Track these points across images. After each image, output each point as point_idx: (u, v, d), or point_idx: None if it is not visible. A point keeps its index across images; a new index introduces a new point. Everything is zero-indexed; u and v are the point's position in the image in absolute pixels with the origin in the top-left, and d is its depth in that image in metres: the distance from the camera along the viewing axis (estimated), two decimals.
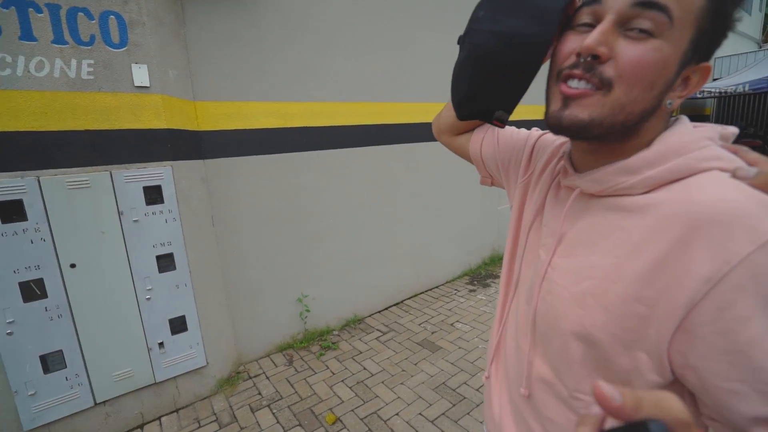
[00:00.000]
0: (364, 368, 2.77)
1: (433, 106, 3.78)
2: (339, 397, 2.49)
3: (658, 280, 0.42)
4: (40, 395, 1.98)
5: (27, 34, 1.83)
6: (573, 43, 0.48)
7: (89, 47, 1.99)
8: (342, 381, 2.64)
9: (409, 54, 3.54)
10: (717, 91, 8.71)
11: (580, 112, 0.46)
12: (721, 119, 11.98)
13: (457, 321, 3.33)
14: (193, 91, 2.50)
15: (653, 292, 0.43)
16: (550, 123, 0.50)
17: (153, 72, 2.17)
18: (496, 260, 4.69)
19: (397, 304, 3.76)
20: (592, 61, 0.44)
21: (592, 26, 0.46)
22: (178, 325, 2.37)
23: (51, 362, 2.01)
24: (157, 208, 2.25)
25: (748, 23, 13.30)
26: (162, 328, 2.31)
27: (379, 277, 3.61)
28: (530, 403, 0.61)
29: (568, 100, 0.47)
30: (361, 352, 2.97)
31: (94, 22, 2.00)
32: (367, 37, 3.23)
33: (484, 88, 0.57)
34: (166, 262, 2.31)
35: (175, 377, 2.39)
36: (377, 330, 3.29)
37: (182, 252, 2.36)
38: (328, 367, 2.80)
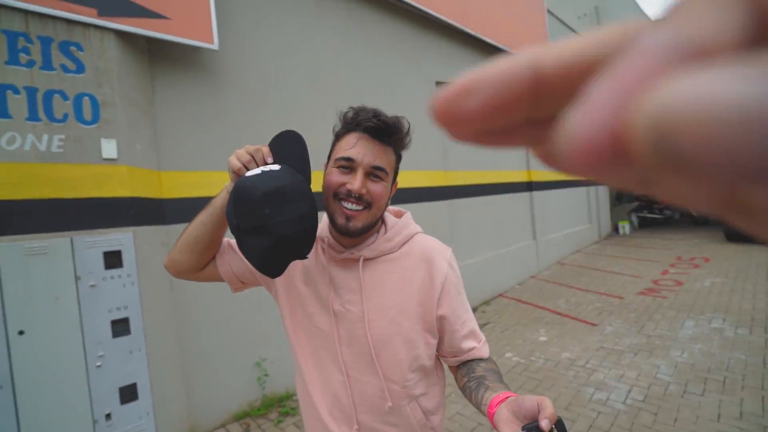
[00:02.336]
0: None
1: None
2: None
3: (423, 289, 0.86)
4: None
5: (2, 113, 2.00)
6: (339, 177, 0.81)
7: (62, 124, 2.17)
8: None
9: None
10: None
11: (357, 222, 0.81)
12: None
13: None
14: (158, 161, 2.69)
15: (423, 296, 0.86)
16: (341, 231, 0.82)
17: (121, 145, 2.36)
18: None
19: None
20: (359, 194, 0.79)
21: (347, 169, 0.81)
22: (128, 394, 2.29)
23: None
24: (115, 272, 2.29)
25: None
26: (111, 398, 2.22)
27: None
28: (392, 410, 0.85)
29: (349, 216, 0.80)
30: None
31: (68, 102, 2.20)
32: (316, 112, 3.63)
33: (291, 255, 0.76)
34: (121, 327, 2.29)
35: None
36: None
37: (138, 316, 2.36)
38: None
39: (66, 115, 2.19)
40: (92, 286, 2.20)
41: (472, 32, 5.49)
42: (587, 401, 2.82)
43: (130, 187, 2.40)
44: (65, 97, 2.19)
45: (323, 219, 0.94)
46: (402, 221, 0.93)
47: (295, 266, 0.93)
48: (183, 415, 2.65)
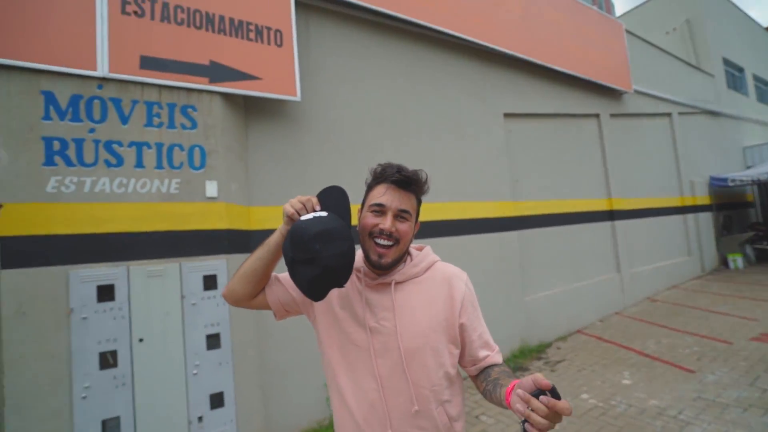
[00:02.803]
0: None
1: (450, 205, 4.26)
2: None
3: (446, 306, 1.03)
4: None
5: (139, 164, 2.56)
6: (373, 219, 1.01)
7: (179, 170, 2.69)
8: None
9: (424, 161, 4.16)
10: (749, 179, 8.71)
11: (388, 258, 1.01)
12: (766, 205, 11.57)
13: (482, 413, 3.29)
14: (249, 198, 3.14)
15: (447, 312, 1.03)
16: (375, 265, 1.02)
17: (221, 186, 2.83)
18: (526, 352, 4.61)
19: None
20: (390, 231, 0.99)
21: (378, 213, 1.01)
22: (217, 401, 2.63)
23: (109, 428, 2.30)
24: (211, 293, 2.70)
25: None
26: (203, 403, 2.57)
27: None
28: (418, 413, 0.97)
29: (381, 254, 1.00)
30: None
31: (184, 152, 2.73)
32: (387, 151, 3.91)
33: (332, 283, 0.94)
34: (213, 341, 2.67)
35: None
36: None
37: (227, 332, 2.73)
38: None
39: (182, 163, 2.71)
40: (193, 304, 2.61)
41: (539, 62, 5.48)
42: None
43: (227, 220, 2.84)
44: (182, 149, 2.73)
45: (358, 252, 1.08)
46: (424, 252, 1.13)
47: (332, 294, 1.06)
48: (260, 426, 2.93)
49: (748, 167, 10.69)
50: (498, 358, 1.04)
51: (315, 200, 0.99)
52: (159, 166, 2.63)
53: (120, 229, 2.47)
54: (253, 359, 2.95)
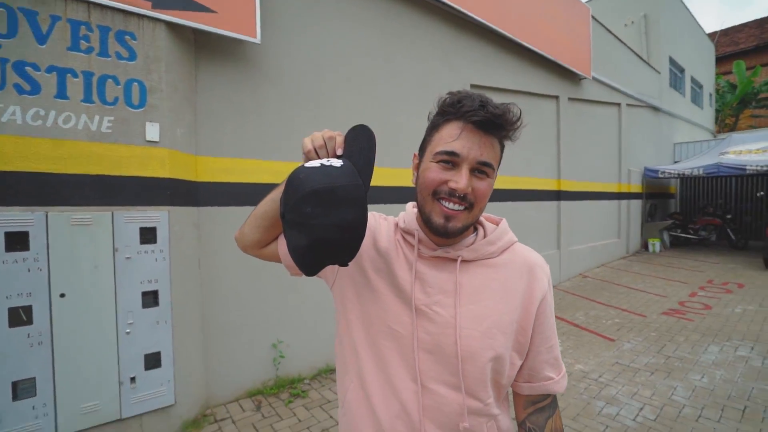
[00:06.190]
0: (331, 416, 2.81)
1: (405, 171, 4.20)
2: None
3: (523, 305, 0.78)
4: (2, 424, 2.01)
5: (62, 94, 2.18)
6: (441, 174, 0.71)
7: (112, 106, 2.34)
8: (308, 428, 2.68)
9: (390, 125, 4.03)
10: (676, 172, 9.56)
11: (457, 223, 0.72)
12: (685, 198, 12.93)
13: None
14: (196, 146, 2.84)
15: (522, 313, 0.78)
16: (438, 231, 0.73)
17: (163, 129, 2.51)
18: None
19: None
20: (464, 194, 0.71)
21: (448, 164, 0.71)
22: (152, 361, 2.45)
23: (21, 390, 2.07)
24: (149, 247, 2.46)
25: (701, 115, 14.91)
26: (137, 363, 2.39)
27: None
28: (465, 430, 0.74)
29: (449, 216, 0.72)
30: (329, 401, 3.01)
31: (119, 87, 2.37)
32: (352, 110, 3.71)
33: (329, 259, 0.69)
34: (150, 299, 2.46)
35: (140, 414, 2.42)
36: None
37: (167, 290, 2.52)
38: (295, 415, 2.84)
39: (116, 99, 2.36)
40: (128, 258, 2.36)
41: (510, 35, 5.43)
42: (596, 414, 2.79)
43: (169, 168, 2.55)
44: (117, 82, 2.36)
45: (409, 210, 0.87)
46: (502, 227, 0.84)
47: (367, 253, 0.84)
48: (200, 386, 2.81)
49: (676, 162, 11.74)
50: (561, 386, 0.81)
51: (340, 140, 0.75)
52: (87, 100, 2.26)
53: (36, 168, 2.12)
54: (195, 318, 2.78)
